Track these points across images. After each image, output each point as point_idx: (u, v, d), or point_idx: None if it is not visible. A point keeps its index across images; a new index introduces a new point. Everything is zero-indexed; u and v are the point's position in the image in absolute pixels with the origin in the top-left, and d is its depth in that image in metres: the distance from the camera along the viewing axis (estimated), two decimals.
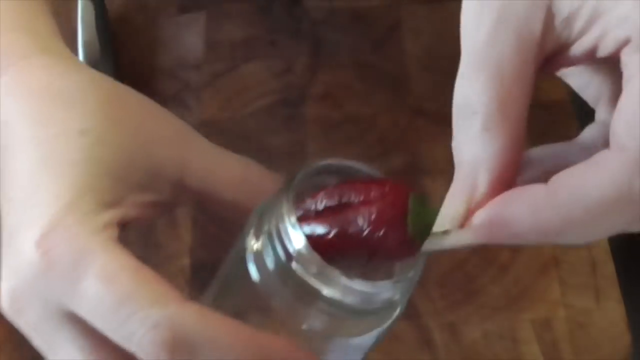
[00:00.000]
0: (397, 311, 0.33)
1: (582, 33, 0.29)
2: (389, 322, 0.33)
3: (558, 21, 0.29)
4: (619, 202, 0.27)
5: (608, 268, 0.51)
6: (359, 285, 0.31)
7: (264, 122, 0.57)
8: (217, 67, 0.60)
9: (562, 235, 0.28)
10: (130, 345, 0.31)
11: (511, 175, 0.29)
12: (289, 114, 0.57)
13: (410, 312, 0.50)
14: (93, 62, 0.60)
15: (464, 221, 0.29)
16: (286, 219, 0.31)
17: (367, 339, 0.33)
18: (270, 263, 0.32)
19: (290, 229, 0.31)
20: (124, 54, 0.61)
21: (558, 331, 0.49)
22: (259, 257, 0.32)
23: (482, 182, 0.29)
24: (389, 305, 0.32)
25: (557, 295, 0.50)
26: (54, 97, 0.34)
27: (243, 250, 0.33)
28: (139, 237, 0.54)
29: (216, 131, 0.57)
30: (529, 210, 0.28)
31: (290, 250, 0.31)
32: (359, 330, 0.33)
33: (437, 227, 0.29)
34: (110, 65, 0.60)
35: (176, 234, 0.53)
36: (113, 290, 0.31)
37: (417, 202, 0.31)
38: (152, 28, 0.62)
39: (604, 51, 0.29)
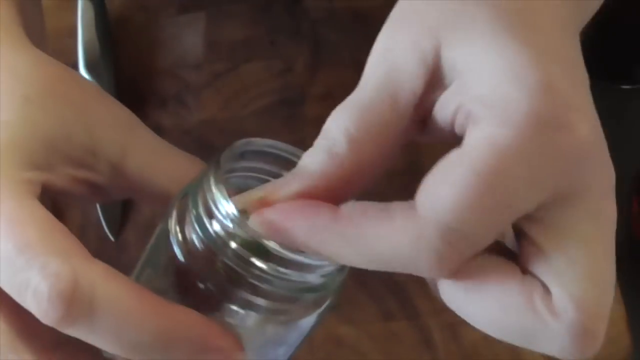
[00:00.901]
0: (332, 296, 0.32)
1: (445, 105, 0.30)
2: (325, 305, 0.32)
3: (440, 85, 0.30)
4: (399, 260, 0.28)
5: None
6: (299, 255, 0.29)
7: (264, 122, 0.57)
8: (217, 67, 0.60)
9: (332, 257, 0.29)
10: (24, 296, 0.29)
11: (322, 197, 0.30)
12: (289, 114, 0.57)
13: (410, 312, 0.50)
14: (93, 62, 0.60)
15: (255, 208, 0.30)
16: (216, 193, 0.30)
17: (300, 324, 0.32)
18: (198, 243, 0.30)
19: (222, 202, 0.30)
20: (124, 54, 0.61)
21: None
22: (184, 238, 0.31)
23: (291, 186, 0.30)
24: (322, 285, 0.31)
25: None
26: (4, 68, 0.34)
27: (167, 232, 0.32)
28: (138, 237, 0.54)
29: (216, 131, 0.57)
30: (308, 228, 0.29)
31: (224, 222, 0.30)
32: (293, 314, 0.32)
33: (238, 203, 0.30)
34: (110, 65, 0.60)
35: None
36: (14, 236, 0.30)
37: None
38: (152, 28, 0.62)
39: (459, 128, 0.29)
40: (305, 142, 0.31)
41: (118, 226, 0.55)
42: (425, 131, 0.32)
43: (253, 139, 0.33)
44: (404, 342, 0.50)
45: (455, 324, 0.50)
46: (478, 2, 0.30)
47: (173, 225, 0.32)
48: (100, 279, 0.30)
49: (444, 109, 0.30)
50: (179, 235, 0.31)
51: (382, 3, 0.60)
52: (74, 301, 0.29)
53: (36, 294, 0.29)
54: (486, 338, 0.50)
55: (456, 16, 0.30)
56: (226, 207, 0.30)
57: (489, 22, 0.30)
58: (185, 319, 0.30)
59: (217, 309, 0.31)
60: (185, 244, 0.31)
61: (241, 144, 0.33)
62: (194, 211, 0.31)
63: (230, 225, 0.30)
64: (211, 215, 0.30)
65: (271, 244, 0.29)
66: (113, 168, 0.35)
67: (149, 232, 0.54)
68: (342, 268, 0.31)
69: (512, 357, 0.49)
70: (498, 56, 0.28)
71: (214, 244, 0.30)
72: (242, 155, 0.33)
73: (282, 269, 0.30)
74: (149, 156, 0.35)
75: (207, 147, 0.56)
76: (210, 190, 0.30)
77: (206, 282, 0.31)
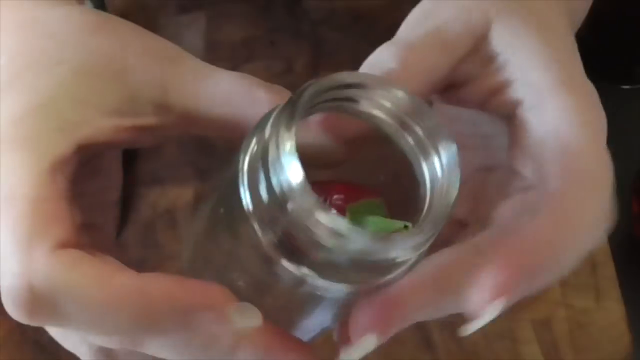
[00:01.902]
0: (393, 274, 0.29)
1: (490, 76, 0.32)
2: (381, 279, 0.29)
3: (482, 53, 0.32)
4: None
5: (608, 268, 0.51)
6: (373, 237, 0.26)
7: None
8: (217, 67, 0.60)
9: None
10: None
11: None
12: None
13: None
14: None
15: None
16: (281, 145, 0.26)
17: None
18: (263, 192, 0.27)
19: (284, 159, 0.26)
20: None
21: (558, 331, 0.49)
22: (252, 182, 0.27)
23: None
24: (385, 266, 0.28)
25: (557, 295, 0.50)
26: (37, 30, 0.34)
27: (236, 173, 0.28)
28: (139, 237, 0.54)
29: None
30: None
31: (284, 185, 0.26)
32: (350, 280, 0.28)
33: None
34: None
35: (176, 234, 0.53)
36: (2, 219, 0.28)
37: (353, 214, 0.29)
38: (152, 28, 0.62)
39: (499, 102, 0.32)
40: None
41: (118, 226, 0.55)
42: (445, 95, 0.33)
43: (345, 74, 0.29)
44: (404, 342, 0.50)
45: (455, 324, 0.50)
46: None
47: (241, 166, 0.28)
48: (64, 271, 0.28)
49: (483, 85, 0.32)
50: (246, 180, 0.28)
51: (382, 3, 0.60)
52: (31, 303, 0.27)
53: (3, 295, 0.28)
54: (486, 338, 0.50)
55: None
56: (289, 174, 0.26)
57: (542, 14, 0.33)
58: (161, 290, 0.28)
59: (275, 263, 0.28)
60: (252, 190, 0.27)
61: (331, 79, 0.29)
62: (260, 160, 0.27)
63: (291, 192, 0.26)
64: (276, 172, 0.26)
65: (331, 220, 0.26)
66: (157, 107, 0.33)
67: (149, 232, 0.54)
68: (423, 244, 0.28)
69: (512, 357, 0.49)
70: (550, 63, 0.32)
71: (277, 200, 0.27)
72: (330, 89, 0.29)
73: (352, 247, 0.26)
74: (191, 84, 0.33)
75: (207, 147, 0.56)
76: (276, 147, 0.26)
77: (268, 235, 0.27)
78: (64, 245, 0.28)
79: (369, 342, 0.28)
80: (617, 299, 0.50)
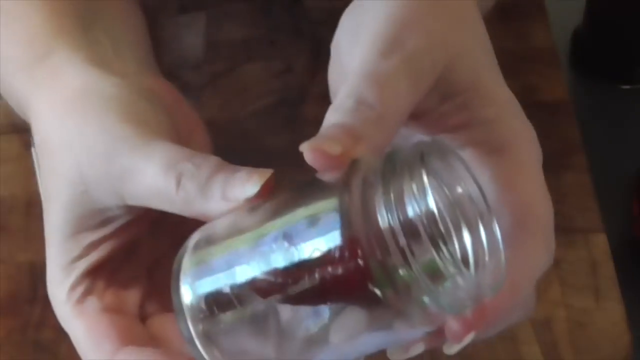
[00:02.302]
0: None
1: (450, 114, 0.35)
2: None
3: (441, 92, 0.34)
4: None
5: (608, 268, 0.51)
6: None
7: (264, 122, 0.57)
8: (217, 67, 0.60)
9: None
10: None
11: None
12: (289, 114, 0.57)
13: None
14: None
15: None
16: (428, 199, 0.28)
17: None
18: (381, 221, 0.28)
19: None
20: None
21: (558, 331, 0.49)
22: (366, 210, 0.28)
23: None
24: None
25: (557, 295, 0.50)
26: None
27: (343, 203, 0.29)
28: None
29: (216, 131, 0.57)
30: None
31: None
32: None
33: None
34: None
35: None
36: None
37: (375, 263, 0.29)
38: (152, 28, 0.62)
39: (463, 139, 0.35)
40: None
41: None
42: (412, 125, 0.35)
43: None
44: None
45: None
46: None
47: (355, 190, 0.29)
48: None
49: (448, 116, 0.35)
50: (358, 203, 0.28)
51: None
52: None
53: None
54: (486, 338, 0.50)
55: (464, 30, 0.35)
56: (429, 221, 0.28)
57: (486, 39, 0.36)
58: None
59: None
60: (366, 216, 0.28)
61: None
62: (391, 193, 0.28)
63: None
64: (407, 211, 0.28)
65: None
66: (126, 208, 0.37)
67: None
68: None
69: (512, 357, 0.49)
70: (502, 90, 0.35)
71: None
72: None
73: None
74: (138, 186, 0.36)
75: None
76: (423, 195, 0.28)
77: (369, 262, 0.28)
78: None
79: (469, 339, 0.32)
80: (617, 299, 0.50)
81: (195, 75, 0.59)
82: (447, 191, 0.30)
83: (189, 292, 0.32)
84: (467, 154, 0.35)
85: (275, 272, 0.30)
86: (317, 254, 0.29)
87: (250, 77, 0.59)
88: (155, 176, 0.35)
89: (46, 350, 0.51)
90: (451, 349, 0.32)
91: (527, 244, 0.33)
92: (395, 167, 0.29)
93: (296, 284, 0.29)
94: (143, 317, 0.41)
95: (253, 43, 0.60)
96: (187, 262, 0.33)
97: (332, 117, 0.32)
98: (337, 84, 0.36)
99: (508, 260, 0.30)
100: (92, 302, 0.39)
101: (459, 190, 0.30)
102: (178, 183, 0.34)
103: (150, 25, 0.62)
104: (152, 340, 0.39)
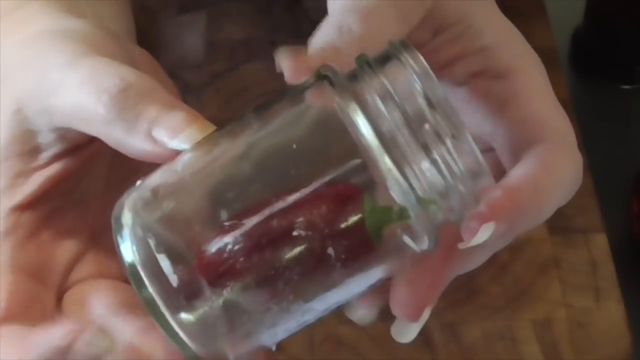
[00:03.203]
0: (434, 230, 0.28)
1: (444, 47, 0.33)
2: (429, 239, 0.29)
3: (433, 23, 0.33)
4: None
5: (608, 268, 0.51)
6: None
7: None
8: (217, 67, 0.60)
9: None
10: None
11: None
12: None
13: None
14: None
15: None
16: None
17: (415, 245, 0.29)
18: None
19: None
20: None
21: (558, 331, 0.49)
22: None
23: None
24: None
25: (557, 295, 0.50)
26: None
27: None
28: None
29: None
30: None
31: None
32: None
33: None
34: None
35: None
36: None
37: (371, 201, 0.29)
38: (152, 28, 0.62)
39: (460, 72, 0.33)
40: None
41: None
42: None
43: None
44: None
45: (455, 324, 0.50)
46: None
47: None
48: None
49: (442, 49, 0.33)
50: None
51: None
52: None
53: None
54: (486, 338, 0.50)
55: None
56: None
57: None
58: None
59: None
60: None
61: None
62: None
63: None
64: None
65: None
66: (57, 133, 0.33)
67: None
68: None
69: (512, 357, 0.49)
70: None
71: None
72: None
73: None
74: (64, 105, 0.32)
75: None
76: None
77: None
78: None
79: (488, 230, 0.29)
80: (617, 299, 0.50)
81: (195, 75, 0.60)
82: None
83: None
84: (468, 87, 0.33)
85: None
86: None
87: (250, 77, 0.59)
88: (77, 89, 0.31)
89: None
90: (466, 244, 0.29)
91: (549, 152, 0.31)
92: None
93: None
94: (69, 282, 0.36)
95: (253, 43, 0.60)
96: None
97: (312, 45, 0.31)
98: None
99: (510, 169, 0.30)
100: (7, 250, 0.33)
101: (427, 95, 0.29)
102: (99, 99, 0.30)
103: (150, 25, 0.62)
104: (59, 314, 0.34)
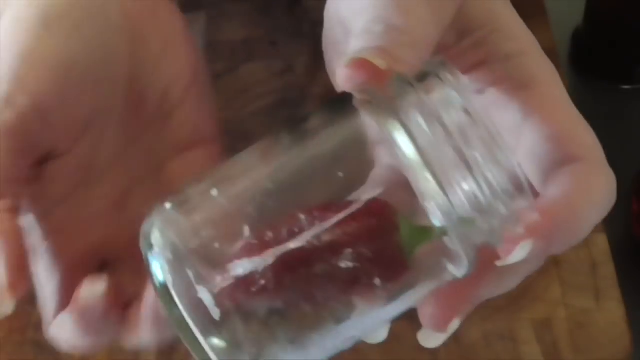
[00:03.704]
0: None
1: (468, 51, 0.33)
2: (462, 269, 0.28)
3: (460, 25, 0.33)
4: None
5: (608, 268, 0.51)
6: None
7: (264, 122, 0.57)
8: (217, 67, 0.60)
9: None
10: None
11: None
12: (289, 114, 0.57)
13: (410, 312, 0.50)
14: None
15: None
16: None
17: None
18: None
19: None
20: None
21: (558, 331, 0.49)
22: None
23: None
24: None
25: (557, 295, 0.50)
26: None
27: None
28: None
29: None
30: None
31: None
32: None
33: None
34: None
35: None
36: None
37: (406, 220, 0.28)
38: None
39: (482, 79, 0.33)
40: None
41: None
42: None
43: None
44: (404, 342, 0.49)
45: None
46: None
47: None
48: None
49: (467, 53, 0.33)
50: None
51: None
52: None
53: None
54: (486, 338, 0.50)
55: None
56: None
57: None
58: None
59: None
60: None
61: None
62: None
63: None
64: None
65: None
66: None
67: None
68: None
69: (512, 357, 0.49)
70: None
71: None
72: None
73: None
74: None
75: None
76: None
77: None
78: None
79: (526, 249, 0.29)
80: (617, 299, 0.50)
81: None
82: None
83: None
84: (491, 93, 0.33)
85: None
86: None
87: (250, 77, 0.59)
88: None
89: (46, 350, 0.51)
90: (504, 262, 0.29)
91: (584, 172, 0.31)
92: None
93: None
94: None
95: (253, 43, 0.60)
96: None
97: (362, 41, 0.30)
98: (334, 49, 0.35)
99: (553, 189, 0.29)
100: None
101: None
102: None
103: None
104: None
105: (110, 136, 0.37)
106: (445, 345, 0.49)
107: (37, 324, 0.52)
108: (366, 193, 0.28)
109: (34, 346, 0.51)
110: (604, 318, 0.49)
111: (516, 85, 0.32)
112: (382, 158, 0.29)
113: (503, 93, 0.32)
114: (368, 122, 0.28)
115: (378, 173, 0.29)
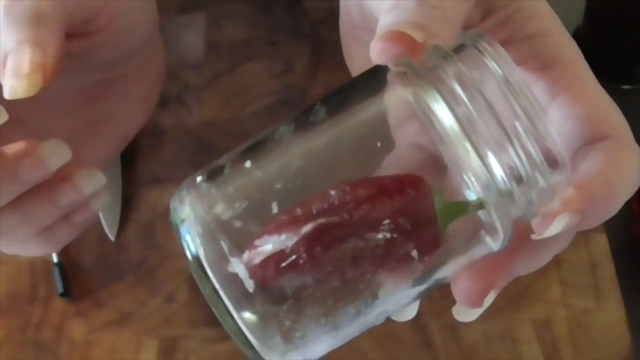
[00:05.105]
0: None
1: (493, 30, 0.33)
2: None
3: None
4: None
5: (608, 268, 0.51)
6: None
7: (264, 122, 0.57)
8: (217, 67, 0.60)
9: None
10: None
11: None
12: (289, 114, 0.57)
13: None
14: None
15: None
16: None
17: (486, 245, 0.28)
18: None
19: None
20: None
21: (558, 331, 0.49)
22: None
23: None
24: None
25: (557, 295, 0.50)
26: None
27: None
28: (139, 237, 0.54)
29: (216, 131, 0.57)
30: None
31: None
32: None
33: None
34: None
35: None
36: None
37: (439, 194, 0.28)
38: None
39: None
40: None
41: (118, 226, 0.55)
42: None
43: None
44: (404, 342, 0.50)
45: (455, 324, 0.50)
46: None
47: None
48: None
49: (491, 32, 0.32)
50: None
51: None
52: None
53: None
54: (486, 338, 0.50)
55: None
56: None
57: None
58: None
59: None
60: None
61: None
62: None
63: None
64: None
65: None
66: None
67: (149, 232, 0.54)
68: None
69: (512, 357, 0.49)
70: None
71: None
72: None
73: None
74: None
75: (207, 147, 0.56)
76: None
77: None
78: None
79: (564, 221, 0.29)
80: (617, 299, 0.50)
81: (195, 75, 0.59)
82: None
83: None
84: None
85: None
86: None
87: (250, 77, 0.59)
88: None
89: (46, 350, 0.51)
90: (539, 235, 0.29)
91: (616, 149, 0.31)
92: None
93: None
94: None
95: (253, 43, 0.60)
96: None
97: (394, 15, 0.30)
98: (352, 34, 0.35)
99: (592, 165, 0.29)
100: None
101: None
102: None
103: None
104: None
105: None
106: (445, 345, 0.50)
107: (37, 324, 0.52)
108: (392, 171, 0.27)
109: (34, 346, 0.51)
110: (604, 318, 0.49)
111: (542, 64, 0.32)
112: (402, 139, 0.28)
113: (529, 72, 0.32)
114: (394, 99, 0.27)
115: (400, 153, 0.28)
